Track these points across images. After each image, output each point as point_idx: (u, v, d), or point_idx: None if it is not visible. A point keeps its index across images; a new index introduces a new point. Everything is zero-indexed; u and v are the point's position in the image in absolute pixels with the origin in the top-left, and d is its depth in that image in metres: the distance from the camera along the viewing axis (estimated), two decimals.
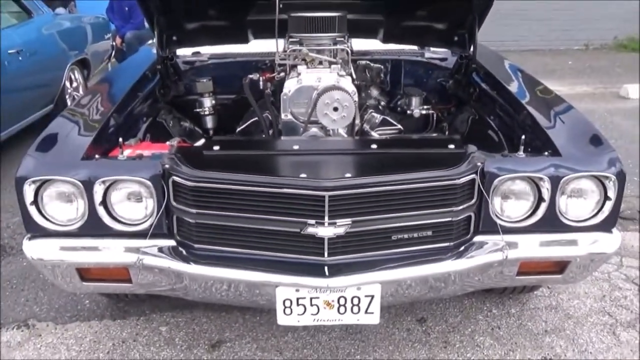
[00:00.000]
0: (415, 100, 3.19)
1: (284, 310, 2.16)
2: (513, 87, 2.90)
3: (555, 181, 2.13)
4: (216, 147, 2.29)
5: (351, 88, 2.61)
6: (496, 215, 2.19)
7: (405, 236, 2.16)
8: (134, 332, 2.77)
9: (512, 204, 2.20)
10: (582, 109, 2.67)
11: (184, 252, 2.18)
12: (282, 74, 2.87)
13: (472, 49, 3.06)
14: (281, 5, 2.74)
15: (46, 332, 2.79)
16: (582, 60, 9.54)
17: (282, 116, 2.69)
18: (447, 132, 3.17)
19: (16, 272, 3.29)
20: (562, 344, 2.68)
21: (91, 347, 2.68)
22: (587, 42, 10.58)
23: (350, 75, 2.82)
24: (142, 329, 2.80)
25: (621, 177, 2.15)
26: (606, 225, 2.23)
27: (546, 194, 2.14)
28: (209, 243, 2.18)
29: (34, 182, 2.09)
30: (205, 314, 2.87)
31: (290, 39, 2.88)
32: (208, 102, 3.24)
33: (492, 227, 2.19)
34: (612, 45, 10.57)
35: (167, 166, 2.10)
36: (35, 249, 2.18)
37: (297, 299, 2.13)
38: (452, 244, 2.20)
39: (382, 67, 3.43)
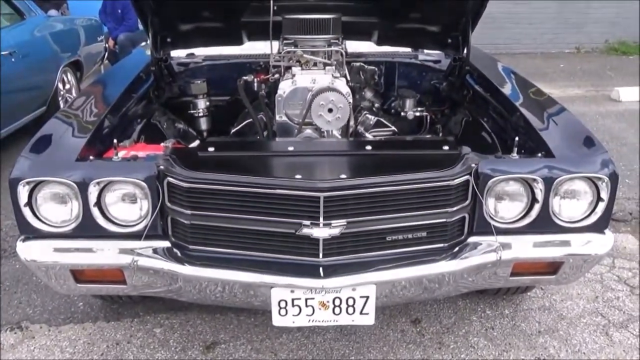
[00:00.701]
0: (409, 102, 3.20)
1: (279, 311, 2.16)
2: (506, 89, 2.92)
3: (548, 182, 2.15)
4: (211, 149, 2.29)
5: (345, 89, 2.62)
6: (490, 216, 2.20)
7: (400, 237, 2.17)
8: (128, 334, 2.76)
9: (505, 205, 2.21)
10: (573, 112, 2.69)
11: (178, 253, 2.18)
12: (277, 75, 2.88)
13: (465, 51, 3.08)
14: (275, 7, 2.75)
15: (40, 334, 2.78)
16: (573, 63, 9.60)
17: (277, 117, 2.69)
18: (440, 134, 3.19)
19: (9, 275, 3.27)
20: (556, 345, 2.70)
21: (85, 349, 2.67)
22: (579, 45, 10.65)
23: (345, 76, 2.83)
24: (136, 330, 2.79)
25: (614, 179, 2.17)
26: (599, 227, 2.24)
27: (539, 195, 2.16)
28: (203, 244, 2.18)
29: (28, 183, 2.08)
30: (200, 315, 2.86)
31: (285, 41, 2.89)
32: (202, 104, 3.24)
33: (486, 228, 2.21)
34: (603, 48, 10.64)
35: (161, 167, 2.10)
36: (29, 250, 2.17)
37: (292, 300, 2.14)
38: (446, 244, 2.21)
39: (376, 69, 3.44)
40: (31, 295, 3.07)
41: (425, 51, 3.64)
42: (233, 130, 3.09)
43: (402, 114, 3.21)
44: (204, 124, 3.27)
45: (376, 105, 3.33)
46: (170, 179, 2.10)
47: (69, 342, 2.72)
